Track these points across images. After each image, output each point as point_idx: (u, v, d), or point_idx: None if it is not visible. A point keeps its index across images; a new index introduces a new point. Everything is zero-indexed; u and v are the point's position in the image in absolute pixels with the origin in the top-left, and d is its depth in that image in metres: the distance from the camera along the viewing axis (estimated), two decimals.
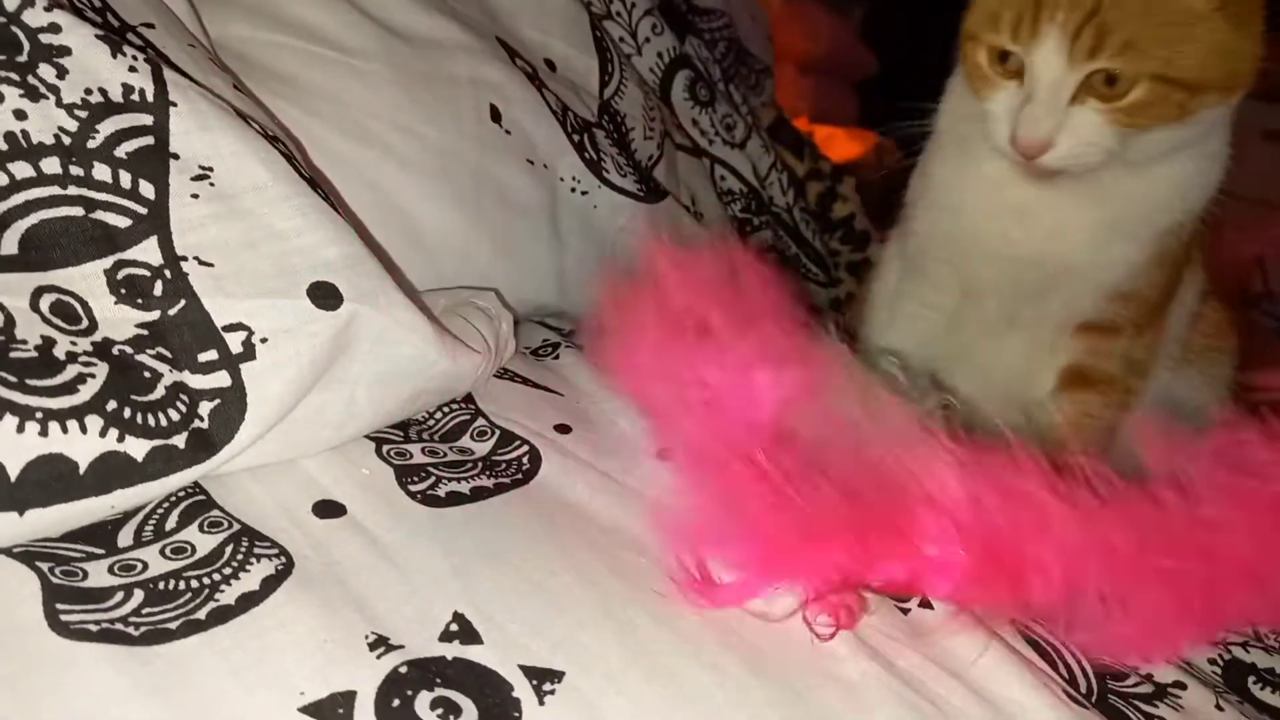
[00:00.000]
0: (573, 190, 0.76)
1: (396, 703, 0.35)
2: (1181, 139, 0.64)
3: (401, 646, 0.37)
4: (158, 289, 0.42)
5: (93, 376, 0.38)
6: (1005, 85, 0.64)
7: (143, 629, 0.35)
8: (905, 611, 0.46)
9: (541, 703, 0.36)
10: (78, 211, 0.41)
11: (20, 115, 0.40)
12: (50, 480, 0.36)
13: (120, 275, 0.41)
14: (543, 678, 0.37)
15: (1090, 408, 0.75)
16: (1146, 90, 0.60)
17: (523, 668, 0.37)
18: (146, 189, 0.42)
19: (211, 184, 0.44)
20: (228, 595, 0.38)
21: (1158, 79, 0.60)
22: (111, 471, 0.38)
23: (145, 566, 0.38)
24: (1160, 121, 0.62)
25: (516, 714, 0.35)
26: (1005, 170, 0.68)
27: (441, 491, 0.47)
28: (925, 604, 0.46)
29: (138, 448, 0.39)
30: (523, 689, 0.36)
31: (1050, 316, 0.74)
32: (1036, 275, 0.71)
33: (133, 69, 0.43)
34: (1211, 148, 0.68)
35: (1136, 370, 0.75)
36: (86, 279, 0.40)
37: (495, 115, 0.70)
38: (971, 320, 0.77)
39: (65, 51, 0.41)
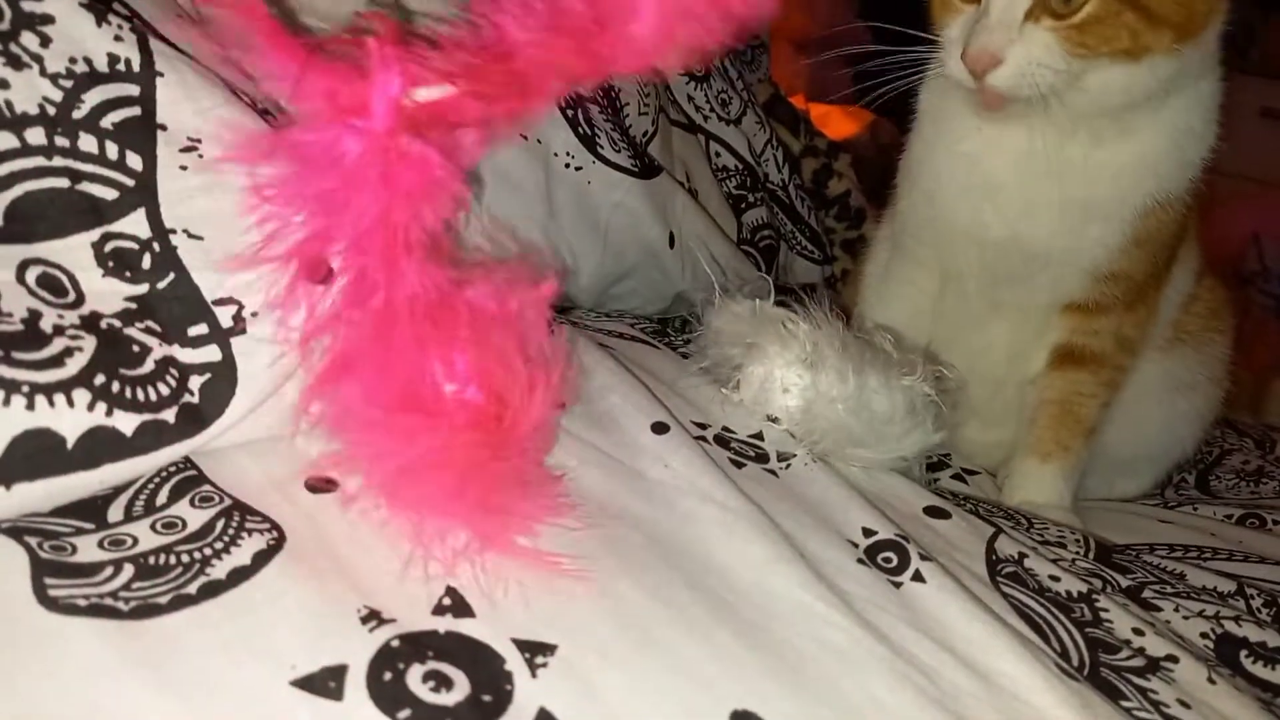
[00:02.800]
0: (567, 166, 0.75)
1: (388, 676, 0.34)
2: (1139, 89, 0.63)
3: (394, 620, 0.37)
4: (146, 262, 0.41)
5: (80, 350, 0.38)
6: (964, 9, 0.64)
7: (133, 604, 0.35)
8: (897, 585, 0.46)
9: (534, 675, 0.36)
10: (64, 183, 0.40)
11: (3, 85, 0.39)
12: (37, 454, 0.36)
13: (108, 248, 0.41)
14: (535, 650, 0.37)
15: (1081, 386, 0.75)
16: (1098, 5, 0.60)
17: (515, 641, 0.37)
18: (134, 160, 0.42)
19: (200, 155, 0.43)
20: (219, 570, 0.37)
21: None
22: (100, 446, 0.38)
23: (135, 541, 0.38)
24: (1112, 48, 0.61)
25: (509, 687, 0.35)
26: (978, 147, 0.68)
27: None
28: (917, 577, 0.46)
29: (127, 422, 0.38)
30: (515, 662, 0.36)
31: (1034, 299, 0.74)
32: (1012, 259, 0.71)
33: (118, 38, 0.42)
34: (1188, 123, 0.67)
35: (1127, 348, 0.75)
36: (73, 251, 0.40)
37: None
38: (955, 302, 0.77)
39: (48, 20, 0.41)
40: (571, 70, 0.45)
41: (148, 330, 0.40)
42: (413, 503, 0.41)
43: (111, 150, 0.41)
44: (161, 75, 0.43)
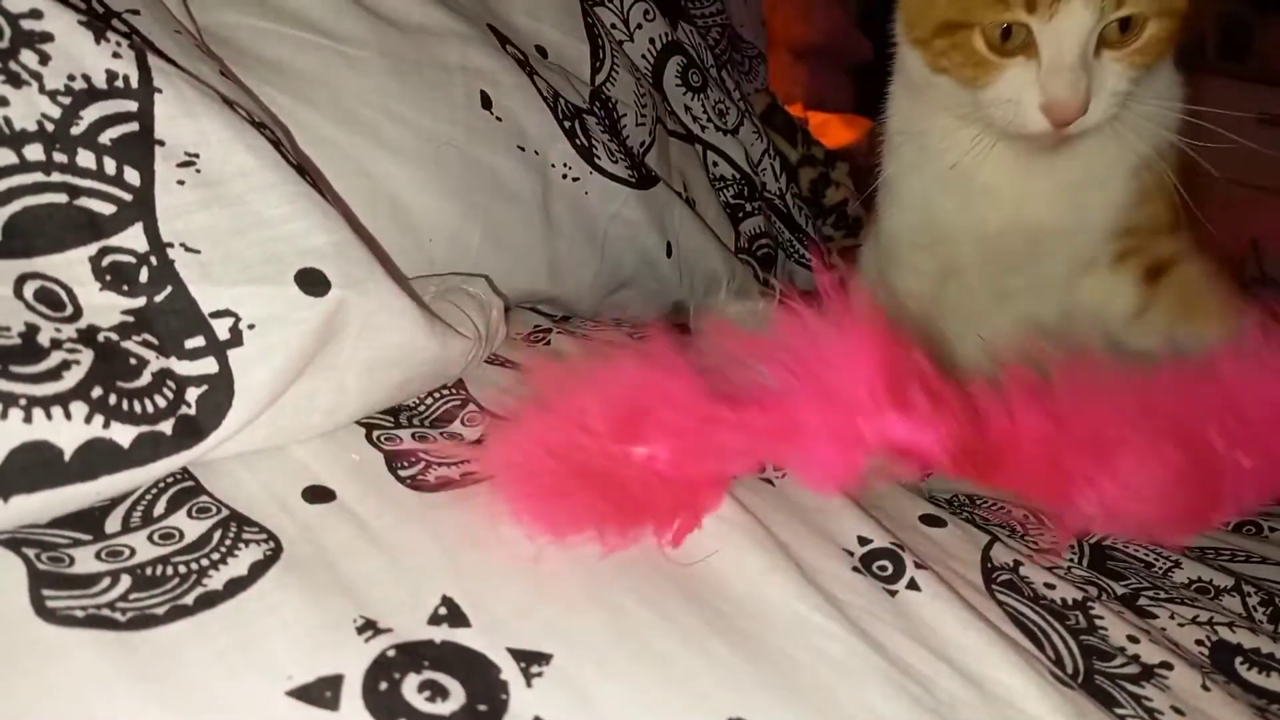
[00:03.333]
0: (564, 177, 0.76)
1: (384, 686, 0.35)
2: (1149, 75, 0.64)
3: (390, 630, 0.37)
4: (143, 275, 0.41)
5: (77, 363, 0.38)
6: (1009, 64, 0.62)
7: (130, 614, 0.35)
8: (893, 594, 0.46)
9: (529, 685, 0.36)
10: (61, 198, 0.41)
11: (2, 102, 0.40)
12: (35, 467, 0.36)
13: (105, 262, 0.41)
14: (531, 660, 0.37)
15: (1188, 282, 0.72)
16: (1157, 26, 0.60)
17: (511, 650, 0.37)
18: (131, 175, 0.42)
19: (198, 170, 0.44)
20: (216, 580, 0.38)
21: (1163, 13, 0.60)
22: (97, 458, 0.38)
23: (133, 552, 0.38)
24: (1161, 57, 0.62)
25: (504, 696, 0.36)
26: (969, 160, 0.68)
27: (431, 477, 0.47)
28: (913, 585, 0.46)
29: (124, 434, 0.39)
30: (511, 671, 0.37)
31: (1052, 272, 0.73)
32: (1015, 245, 0.71)
33: (116, 55, 0.43)
34: (1165, 82, 0.69)
35: (1192, 252, 0.74)
36: (71, 266, 0.40)
37: (486, 102, 0.70)
38: (959, 297, 0.77)
39: (47, 38, 0.41)
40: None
41: (145, 343, 0.41)
42: None
43: (109, 165, 0.42)
44: (160, 91, 0.43)
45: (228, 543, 0.40)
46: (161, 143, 0.43)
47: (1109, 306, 0.74)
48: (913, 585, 0.46)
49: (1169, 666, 0.47)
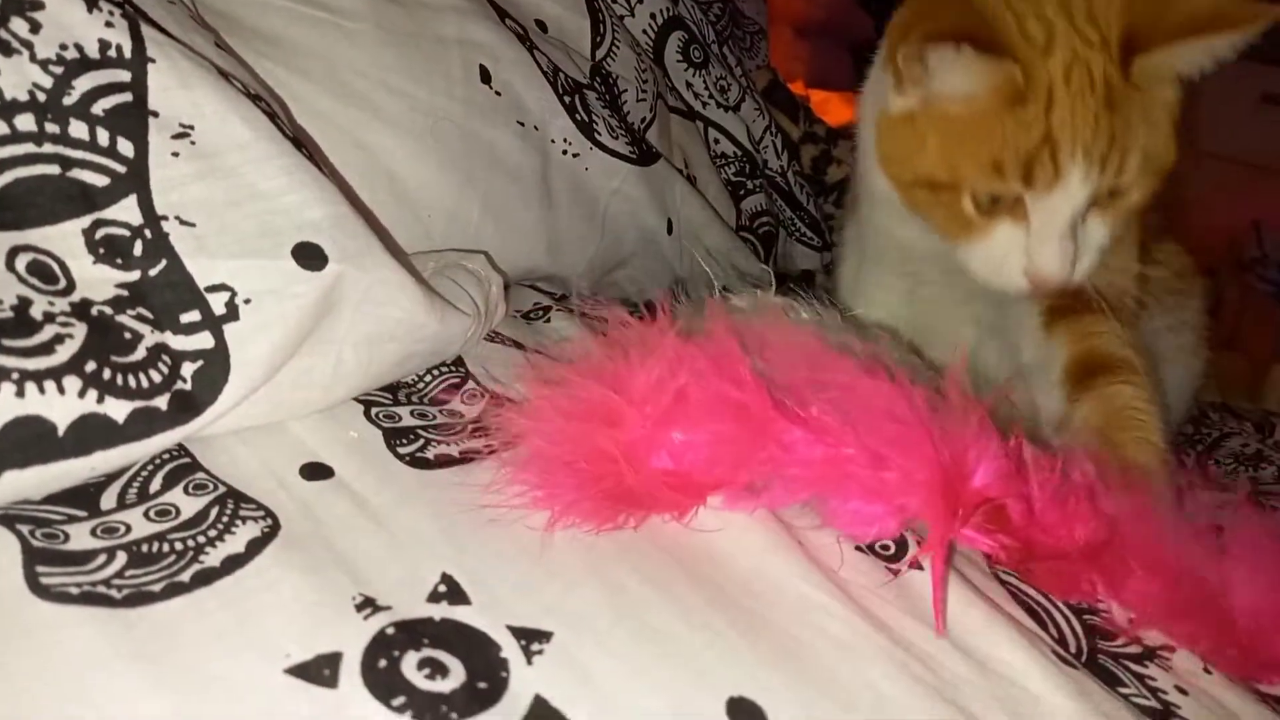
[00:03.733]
0: (564, 152, 0.75)
1: (383, 663, 0.34)
2: None
3: (389, 608, 0.37)
4: (138, 249, 0.41)
5: (71, 337, 0.38)
6: (995, 226, 0.61)
7: (125, 591, 0.35)
8: (896, 572, 0.46)
9: (530, 663, 0.36)
10: (54, 169, 0.40)
11: None
12: (28, 442, 0.36)
13: (99, 234, 0.40)
14: (531, 638, 0.37)
15: (1120, 404, 0.69)
16: (1143, 187, 0.60)
17: (511, 628, 0.37)
18: (125, 147, 0.41)
19: (192, 142, 0.43)
20: (213, 557, 0.37)
21: (1151, 175, 0.60)
22: (91, 433, 0.37)
23: (129, 529, 0.38)
24: (1146, 203, 0.61)
25: (504, 674, 0.35)
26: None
27: (430, 454, 0.46)
28: (916, 565, 0.46)
29: (118, 409, 0.38)
30: (511, 649, 0.36)
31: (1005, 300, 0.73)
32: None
33: (109, 24, 0.42)
34: None
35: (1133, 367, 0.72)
36: (64, 238, 0.40)
37: (485, 76, 0.69)
38: (927, 314, 0.76)
39: (38, 5, 0.40)
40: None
41: (139, 317, 0.40)
42: None
43: (102, 137, 0.41)
44: (153, 61, 0.43)
45: (225, 519, 0.39)
46: (155, 114, 0.42)
47: (1043, 381, 0.73)
48: (916, 565, 0.46)
49: (1171, 649, 0.46)
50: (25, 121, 0.40)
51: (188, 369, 0.41)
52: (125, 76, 0.42)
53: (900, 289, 0.78)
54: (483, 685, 0.34)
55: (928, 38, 0.57)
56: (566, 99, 0.76)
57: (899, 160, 0.64)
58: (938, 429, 0.44)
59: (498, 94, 0.70)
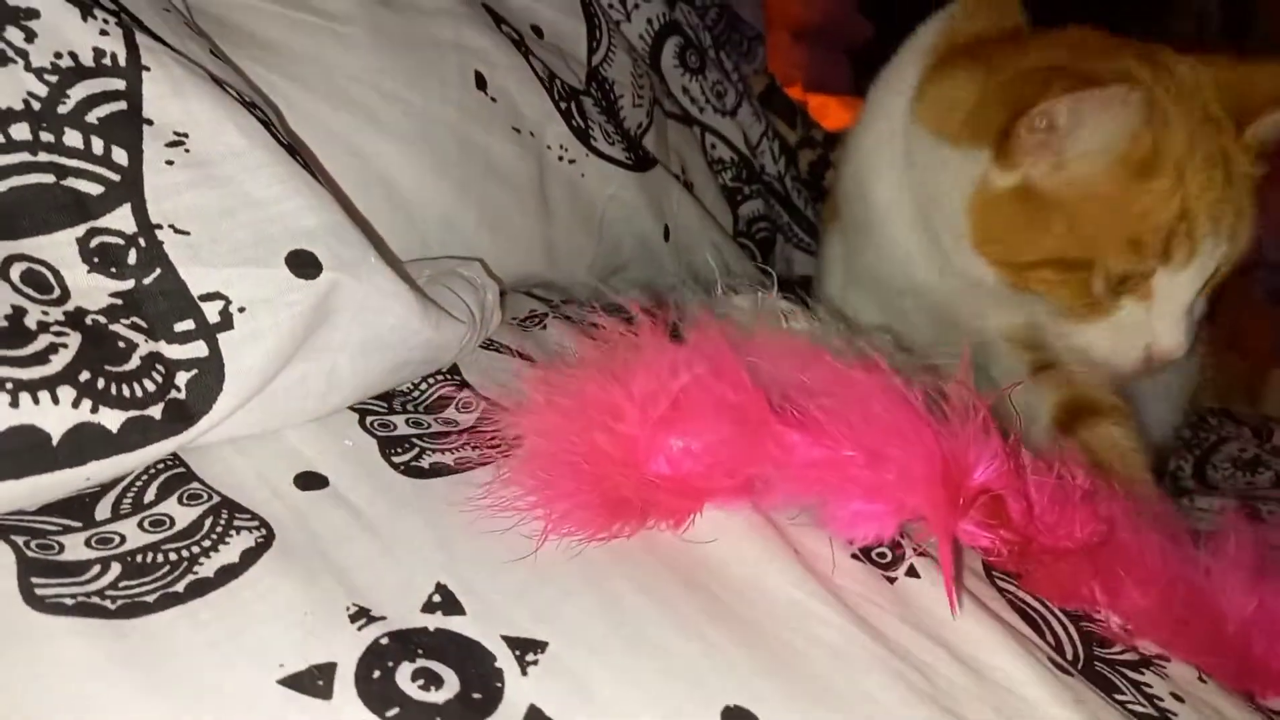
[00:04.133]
0: (560, 159, 0.75)
1: (377, 674, 0.34)
2: None
3: (383, 618, 0.37)
4: (132, 257, 0.41)
5: (65, 347, 0.38)
6: (1119, 306, 0.60)
7: (120, 602, 0.35)
8: (891, 580, 0.46)
9: (524, 673, 0.36)
10: (48, 178, 0.40)
11: None
12: (22, 452, 0.36)
13: (93, 243, 0.40)
14: (525, 648, 0.37)
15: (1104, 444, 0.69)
16: (1231, 266, 0.61)
17: (505, 638, 0.37)
18: (119, 155, 0.41)
19: (187, 150, 0.43)
20: (207, 568, 0.37)
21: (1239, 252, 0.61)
22: (85, 443, 0.37)
23: (123, 539, 0.38)
24: None
25: (499, 685, 0.35)
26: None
27: (425, 463, 0.46)
28: (912, 572, 0.46)
29: (112, 419, 0.38)
30: (505, 659, 0.36)
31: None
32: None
33: (104, 32, 0.42)
34: None
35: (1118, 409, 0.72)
36: (58, 247, 0.40)
37: (480, 82, 0.69)
38: (906, 333, 0.76)
39: (33, 14, 0.40)
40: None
41: (133, 326, 0.40)
42: None
43: (97, 145, 0.41)
44: (148, 70, 0.42)
45: (219, 529, 0.39)
46: (150, 122, 0.42)
47: (1029, 425, 0.72)
48: (912, 572, 0.46)
49: (1167, 657, 0.46)
50: (20, 130, 0.40)
51: (182, 378, 0.41)
52: (120, 85, 0.42)
53: (883, 317, 0.78)
54: (477, 696, 0.34)
55: (1072, 87, 0.54)
56: (562, 105, 0.76)
57: (1013, 243, 0.61)
58: (937, 427, 0.44)
59: (493, 100, 0.70)
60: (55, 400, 0.37)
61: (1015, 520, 0.46)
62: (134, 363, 0.40)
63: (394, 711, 0.33)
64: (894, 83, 0.73)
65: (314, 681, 0.34)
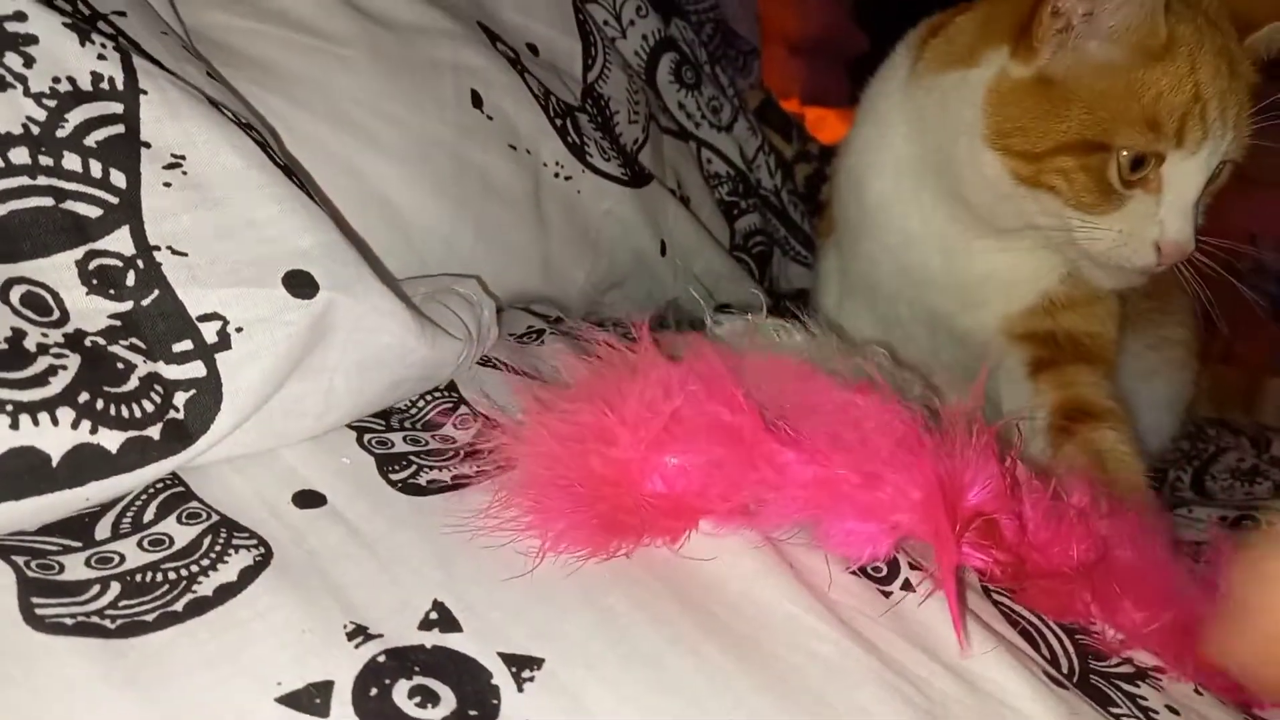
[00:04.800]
0: (556, 175, 0.75)
1: (374, 692, 0.34)
2: None
3: (380, 635, 0.37)
4: (130, 279, 0.41)
5: (64, 368, 0.38)
6: (1131, 196, 0.61)
7: (119, 622, 0.35)
8: (886, 594, 0.46)
9: (521, 690, 0.36)
10: (48, 202, 0.40)
11: None
12: (22, 473, 0.36)
13: (92, 266, 0.41)
14: (522, 665, 0.37)
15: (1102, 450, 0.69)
16: (1231, 169, 0.62)
17: (502, 655, 0.37)
18: (117, 178, 0.42)
19: (184, 172, 0.43)
20: (205, 587, 0.37)
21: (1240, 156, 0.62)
22: (85, 464, 0.38)
23: (123, 559, 0.38)
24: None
25: (495, 701, 0.35)
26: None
27: (423, 480, 0.46)
28: (906, 586, 0.46)
29: (111, 439, 0.38)
30: (502, 676, 0.36)
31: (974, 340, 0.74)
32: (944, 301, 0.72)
33: (101, 56, 0.42)
34: None
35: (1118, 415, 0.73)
36: (57, 270, 0.40)
37: (477, 100, 0.70)
38: (902, 346, 0.77)
39: (32, 40, 0.41)
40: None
41: (132, 347, 0.40)
42: None
43: (95, 168, 0.41)
44: (145, 93, 0.43)
45: (218, 548, 0.39)
46: (147, 145, 0.43)
47: (1026, 429, 0.72)
48: (906, 586, 0.46)
49: (1163, 669, 0.47)
50: (19, 155, 0.40)
51: (180, 398, 0.41)
52: (118, 108, 0.42)
53: (879, 329, 0.79)
54: (474, 713, 0.35)
55: None
56: (558, 121, 0.76)
57: (1032, 131, 0.62)
58: (932, 446, 0.45)
59: (489, 118, 0.71)
60: (55, 421, 0.37)
61: (1009, 541, 0.47)
62: (133, 383, 0.40)
63: None
64: (887, 76, 0.76)
65: (311, 700, 0.34)
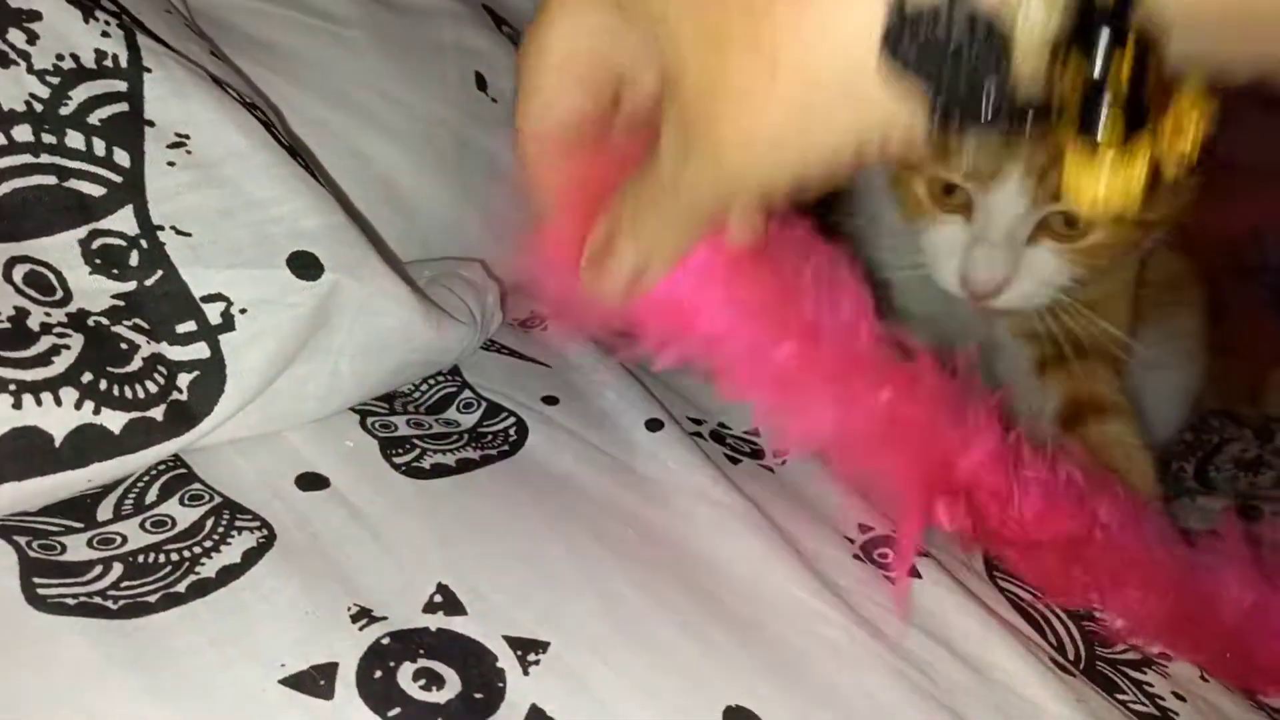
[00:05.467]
0: None
1: (378, 674, 0.34)
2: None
3: (384, 618, 0.37)
4: (134, 259, 0.41)
5: (67, 348, 0.38)
6: (948, 219, 0.60)
7: (121, 602, 0.35)
8: (892, 580, 0.46)
9: (526, 673, 0.36)
10: (51, 180, 0.40)
11: None
12: (25, 453, 0.36)
13: (95, 245, 0.40)
14: (527, 648, 0.37)
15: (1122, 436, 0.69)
16: (1105, 233, 0.58)
17: (507, 638, 0.37)
18: (121, 157, 0.41)
19: (188, 151, 0.43)
20: (208, 568, 0.37)
21: (1116, 221, 0.57)
22: (88, 444, 0.37)
23: (125, 540, 0.38)
24: (1118, 258, 0.60)
25: (500, 684, 0.35)
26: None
27: (427, 463, 0.46)
28: (913, 572, 0.46)
29: (114, 420, 0.38)
30: (507, 659, 0.36)
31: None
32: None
33: (105, 34, 0.42)
34: None
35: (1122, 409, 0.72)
36: (60, 249, 0.40)
37: (481, 83, 0.70)
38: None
39: (35, 16, 0.41)
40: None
41: (135, 328, 0.40)
42: None
43: (99, 147, 0.41)
44: (149, 71, 0.43)
45: (220, 530, 0.39)
46: (151, 123, 0.42)
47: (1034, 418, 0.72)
48: (913, 571, 0.46)
49: (1169, 656, 0.46)
50: (22, 132, 0.40)
51: (184, 379, 0.41)
52: (122, 86, 0.42)
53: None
54: (479, 696, 0.34)
55: None
56: None
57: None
58: (937, 410, 0.44)
59: (494, 101, 0.70)
60: (58, 402, 0.37)
61: (990, 513, 0.46)
62: (136, 364, 0.40)
63: (395, 711, 0.33)
64: None
65: (315, 682, 0.34)
